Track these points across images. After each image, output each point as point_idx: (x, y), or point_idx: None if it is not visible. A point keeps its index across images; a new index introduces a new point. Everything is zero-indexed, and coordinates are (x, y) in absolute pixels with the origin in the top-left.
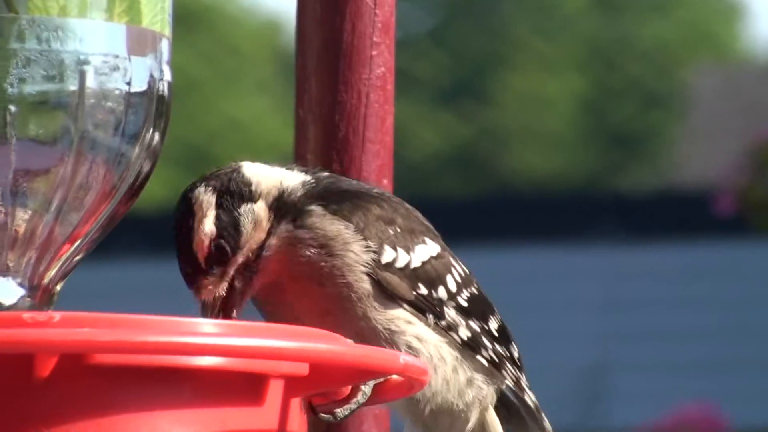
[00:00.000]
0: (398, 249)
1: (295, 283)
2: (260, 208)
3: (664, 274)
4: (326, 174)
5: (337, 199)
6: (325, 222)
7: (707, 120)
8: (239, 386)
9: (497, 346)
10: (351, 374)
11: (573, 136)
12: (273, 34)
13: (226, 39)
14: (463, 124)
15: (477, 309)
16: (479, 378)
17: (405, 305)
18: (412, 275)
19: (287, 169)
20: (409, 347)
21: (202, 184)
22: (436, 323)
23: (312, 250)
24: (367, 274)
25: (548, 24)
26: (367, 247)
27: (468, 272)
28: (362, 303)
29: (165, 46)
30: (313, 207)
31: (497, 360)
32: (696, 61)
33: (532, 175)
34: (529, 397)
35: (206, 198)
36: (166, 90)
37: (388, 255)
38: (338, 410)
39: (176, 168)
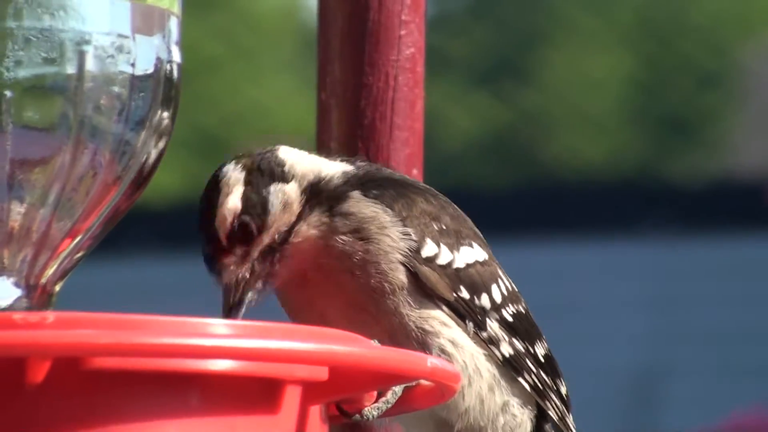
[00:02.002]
0: (441, 245)
1: (321, 274)
2: (292, 189)
3: (720, 271)
4: (370, 164)
5: (379, 186)
6: (361, 205)
7: (767, 102)
8: (252, 392)
9: (542, 374)
10: (374, 379)
11: (621, 120)
12: (295, 9)
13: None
14: (502, 108)
15: (522, 328)
16: (516, 403)
17: (443, 306)
18: (455, 276)
19: (329, 158)
20: (442, 351)
21: (233, 162)
22: (476, 333)
23: (345, 237)
24: (404, 265)
25: None
26: (406, 234)
27: (517, 291)
28: (395, 296)
29: (173, 24)
30: (351, 192)
31: (541, 387)
32: (754, 39)
33: (577, 162)
34: None
35: (234, 175)
36: (175, 72)
37: (429, 249)
38: (366, 410)
39: (190, 156)
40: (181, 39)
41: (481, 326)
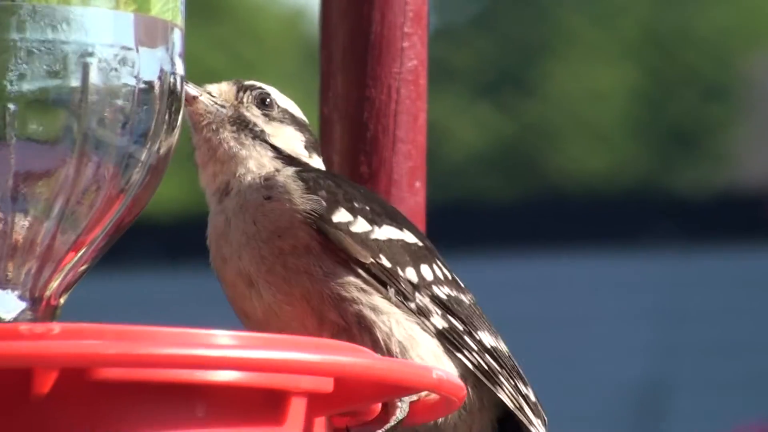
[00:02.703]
0: (358, 216)
1: (237, 220)
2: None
3: (725, 283)
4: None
5: (319, 176)
6: (285, 179)
7: None
8: (257, 403)
9: (488, 358)
10: (379, 390)
11: (625, 132)
12: (297, 21)
13: (246, 27)
14: (506, 120)
15: (462, 313)
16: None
17: (360, 271)
18: (374, 245)
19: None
20: (360, 317)
21: None
22: (402, 302)
23: (256, 195)
24: (309, 226)
25: (599, 10)
26: (310, 198)
27: (464, 286)
28: (302, 258)
29: (177, 36)
30: (287, 170)
31: (489, 371)
32: (759, 51)
33: (581, 174)
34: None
35: None
36: (178, 84)
37: (341, 215)
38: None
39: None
40: (184, 51)
41: (407, 296)
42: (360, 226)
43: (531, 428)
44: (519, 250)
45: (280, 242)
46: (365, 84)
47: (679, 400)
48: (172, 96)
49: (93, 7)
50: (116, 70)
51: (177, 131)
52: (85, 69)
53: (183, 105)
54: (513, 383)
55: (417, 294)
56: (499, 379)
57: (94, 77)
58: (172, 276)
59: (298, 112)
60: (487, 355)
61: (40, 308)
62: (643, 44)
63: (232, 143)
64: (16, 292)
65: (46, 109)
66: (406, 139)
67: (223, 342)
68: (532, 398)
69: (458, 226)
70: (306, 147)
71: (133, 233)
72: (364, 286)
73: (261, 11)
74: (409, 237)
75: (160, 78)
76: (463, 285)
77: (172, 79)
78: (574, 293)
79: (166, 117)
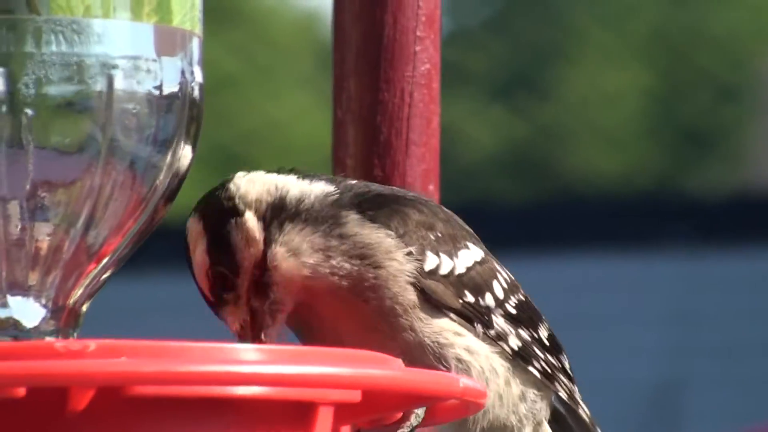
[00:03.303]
0: (441, 255)
1: (334, 300)
2: (248, 218)
3: (739, 284)
4: (355, 182)
5: (373, 205)
6: (362, 229)
7: None
8: (286, 415)
9: (549, 357)
10: (406, 399)
11: (639, 134)
12: (312, 25)
13: (261, 31)
14: (519, 123)
15: (526, 316)
16: (532, 391)
17: (452, 315)
18: (458, 282)
19: (307, 178)
20: (459, 360)
21: (193, 213)
22: (485, 333)
23: (353, 262)
24: (412, 284)
25: (611, 12)
26: (409, 254)
27: (513, 278)
28: (408, 316)
29: (196, 45)
30: (346, 213)
31: (550, 371)
32: None
33: (595, 176)
34: (584, 411)
35: (195, 227)
36: (197, 92)
37: (431, 262)
38: None
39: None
40: (202, 59)
41: (488, 325)
42: (445, 266)
43: (579, 410)
44: (532, 252)
45: (388, 305)
46: (378, 87)
47: (693, 400)
48: (192, 103)
49: (115, 20)
50: (139, 79)
51: (197, 137)
52: (109, 80)
53: (202, 111)
54: (561, 367)
55: (493, 317)
56: (557, 375)
57: (118, 87)
58: (186, 280)
59: (251, 195)
60: (548, 354)
61: (62, 316)
62: (655, 46)
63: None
64: (40, 301)
65: (71, 120)
66: (420, 142)
67: (255, 357)
68: (567, 366)
69: (472, 228)
70: (265, 185)
71: (150, 237)
72: (458, 329)
73: (275, 15)
74: (476, 252)
75: (181, 86)
76: (514, 279)
77: (191, 87)
78: (587, 295)
79: (187, 124)
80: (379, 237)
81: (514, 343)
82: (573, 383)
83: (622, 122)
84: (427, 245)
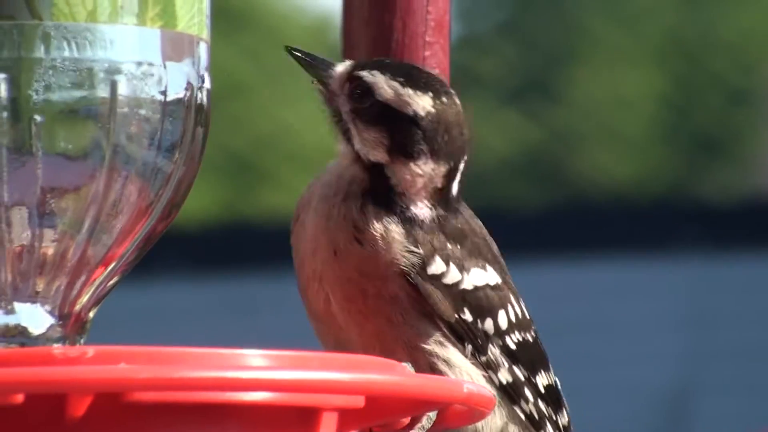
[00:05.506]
0: (451, 264)
1: (329, 258)
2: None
3: (752, 288)
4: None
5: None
6: (389, 226)
7: None
8: (289, 421)
9: (540, 404)
10: (411, 405)
11: (652, 138)
12: (323, 29)
13: (273, 36)
14: (532, 127)
15: (525, 357)
16: (516, 427)
17: (442, 326)
18: (459, 297)
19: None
20: (433, 367)
21: None
22: (474, 356)
23: (364, 252)
24: (405, 276)
25: (624, 16)
26: (410, 252)
27: (529, 318)
28: (386, 303)
29: (203, 50)
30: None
31: (537, 418)
32: None
33: (608, 181)
34: None
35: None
36: (204, 98)
37: (436, 266)
38: None
39: (219, 178)
40: (210, 64)
41: (480, 350)
42: (452, 275)
43: None
44: (545, 256)
45: (364, 284)
46: None
47: (707, 404)
48: (199, 109)
49: (119, 24)
50: (144, 85)
51: (204, 143)
52: (113, 85)
53: (209, 117)
54: (554, 421)
55: (490, 346)
56: (544, 423)
57: (122, 93)
58: (197, 286)
59: (403, 104)
60: (540, 401)
61: (69, 323)
62: (668, 50)
63: (334, 131)
64: (46, 307)
65: (75, 125)
66: None
67: (255, 363)
68: (563, 422)
69: None
70: (390, 150)
71: (157, 243)
72: (443, 339)
73: (286, 20)
74: (491, 276)
75: (186, 92)
76: (528, 316)
77: (198, 93)
78: (601, 299)
79: (194, 129)
80: (388, 229)
81: (504, 377)
82: None
83: (635, 127)
84: (439, 250)
